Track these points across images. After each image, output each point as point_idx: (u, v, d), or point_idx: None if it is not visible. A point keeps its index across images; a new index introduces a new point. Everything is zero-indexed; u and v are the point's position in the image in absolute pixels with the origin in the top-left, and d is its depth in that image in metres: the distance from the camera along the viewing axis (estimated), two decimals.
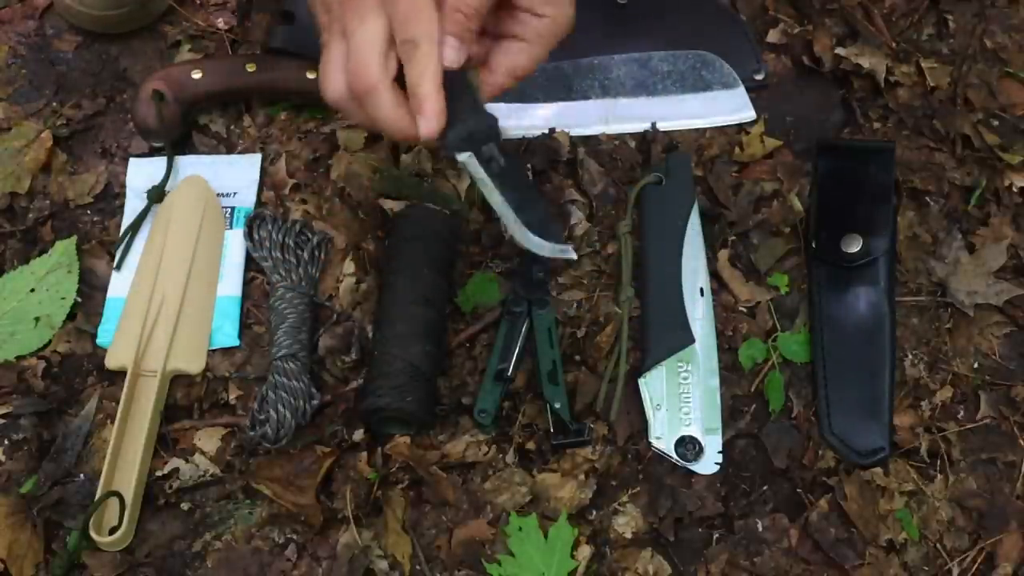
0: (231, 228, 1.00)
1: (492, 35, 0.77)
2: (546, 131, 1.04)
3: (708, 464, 0.90)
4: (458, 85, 0.75)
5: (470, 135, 0.76)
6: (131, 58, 1.11)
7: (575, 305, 0.97)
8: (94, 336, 0.95)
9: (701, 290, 0.96)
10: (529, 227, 0.79)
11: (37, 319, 0.95)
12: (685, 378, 0.92)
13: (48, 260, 0.98)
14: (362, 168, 1.02)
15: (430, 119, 0.70)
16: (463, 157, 0.76)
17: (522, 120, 1.06)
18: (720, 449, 0.90)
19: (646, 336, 0.94)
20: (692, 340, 0.93)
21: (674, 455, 0.90)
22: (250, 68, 1.03)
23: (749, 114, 1.08)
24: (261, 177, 1.03)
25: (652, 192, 1.00)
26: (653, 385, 0.92)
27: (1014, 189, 1.03)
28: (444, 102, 0.70)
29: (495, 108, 1.04)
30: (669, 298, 0.95)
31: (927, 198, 1.03)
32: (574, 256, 0.80)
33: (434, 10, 0.69)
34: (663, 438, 0.90)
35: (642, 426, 0.91)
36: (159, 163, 1.02)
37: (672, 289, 0.95)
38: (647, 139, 1.06)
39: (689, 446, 0.90)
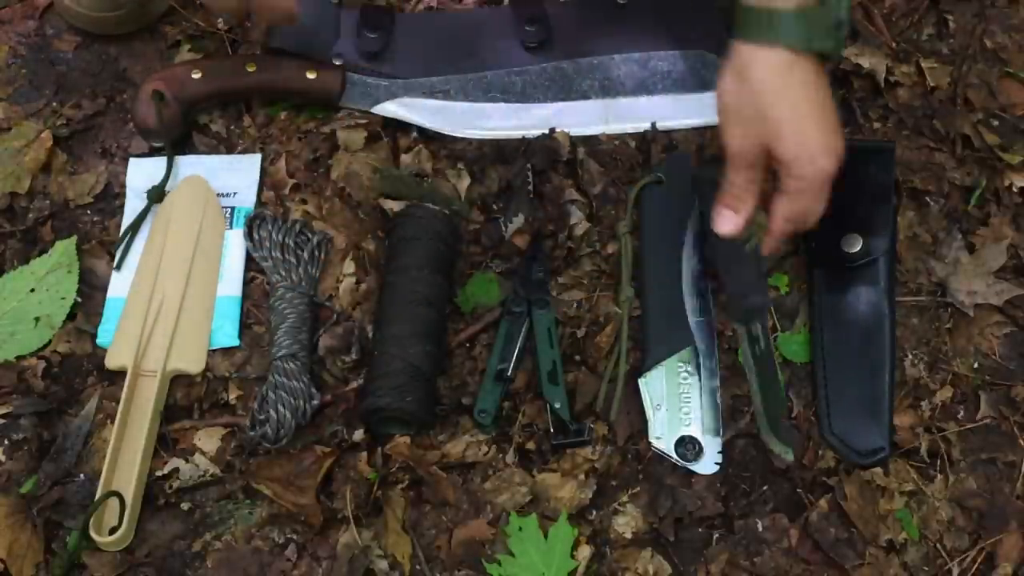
0: (231, 228, 1.00)
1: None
2: (546, 131, 1.04)
3: (708, 464, 0.90)
4: (745, 257, 0.87)
5: (754, 309, 0.89)
6: (131, 58, 1.11)
7: (575, 305, 0.97)
8: (94, 336, 0.95)
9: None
10: (767, 417, 0.89)
11: (37, 319, 0.95)
12: (685, 378, 0.92)
13: (48, 260, 0.98)
14: (362, 168, 1.02)
15: None
16: (738, 327, 0.91)
17: (522, 120, 1.06)
18: (720, 449, 0.90)
19: (646, 336, 0.94)
20: (692, 340, 0.92)
21: (674, 455, 0.89)
22: (250, 68, 1.03)
23: None
24: (261, 177, 1.03)
25: (652, 192, 1.00)
26: (653, 385, 0.91)
27: (1014, 189, 1.03)
28: None
29: (495, 107, 1.05)
30: (669, 298, 0.95)
31: (927, 198, 1.03)
32: (791, 458, 0.89)
33: None
34: (663, 438, 0.90)
35: (642, 426, 0.91)
36: (159, 163, 1.02)
37: (672, 289, 0.95)
38: (647, 139, 1.05)
39: (689, 446, 0.89)
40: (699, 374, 0.93)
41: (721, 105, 0.82)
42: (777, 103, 0.79)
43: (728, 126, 0.82)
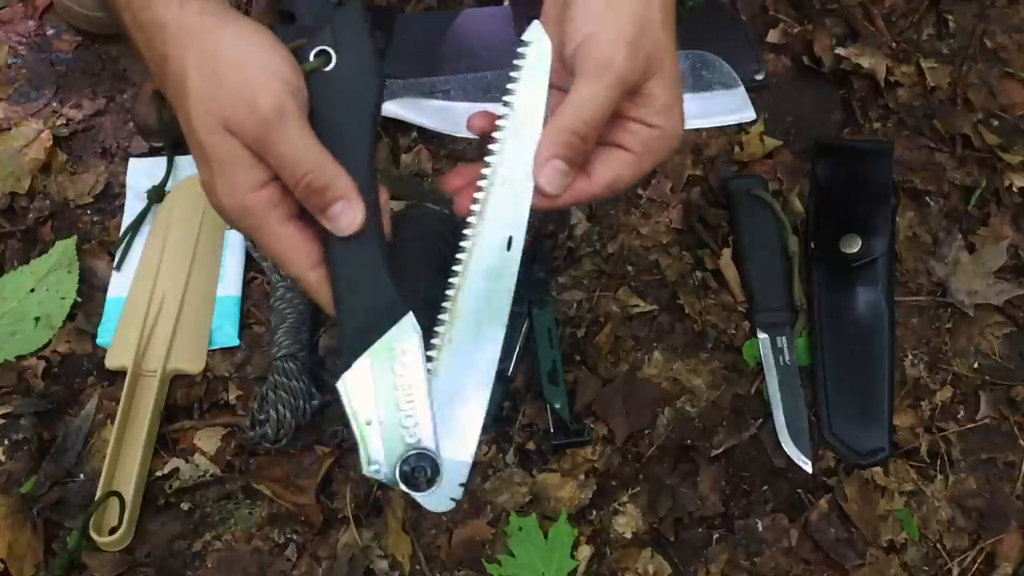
0: (231, 228, 1.00)
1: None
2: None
3: (442, 497, 0.63)
4: (777, 268, 0.82)
5: (781, 322, 0.91)
6: (131, 58, 1.11)
7: (575, 305, 0.97)
8: (94, 336, 0.95)
9: (509, 240, 0.65)
10: (788, 428, 0.90)
11: (37, 319, 0.95)
12: (403, 367, 0.63)
13: (48, 260, 0.98)
14: None
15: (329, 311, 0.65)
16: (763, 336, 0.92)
17: None
18: (464, 481, 0.64)
19: (339, 313, 0.64)
20: (400, 311, 0.63)
21: (398, 483, 0.63)
22: None
23: (749, 114, 1.08)
24: None
25: (320, 81, 0.64)
26: (358, 391, 0.63)
27: (1014, 189, 1.03)
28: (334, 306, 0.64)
29: (495, 107, 1.05)
30: (357, 244, 0.64)
31: (927, 198, 1.03)
32: (810, 469, 0.89)
33: (286, 247, 0.64)
34: (380, 466, 0.63)
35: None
36: (159, 163, 1.02)
37: (368, 234, 0.64)
38: None
39: (419, 469, 0.63)
40: (445, 359, 0.65)
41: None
42: (668, 38, 0.64)
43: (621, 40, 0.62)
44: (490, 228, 0.65)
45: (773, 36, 1.13)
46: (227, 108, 0.60)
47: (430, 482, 0.63)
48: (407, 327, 0.64)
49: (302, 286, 0.65)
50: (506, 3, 1.12)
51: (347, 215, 0.63)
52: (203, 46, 0.61)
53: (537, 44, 0.64)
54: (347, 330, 0.64)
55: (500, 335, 0.65)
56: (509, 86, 0.64)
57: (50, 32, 1.13)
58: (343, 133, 0.63)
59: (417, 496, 0.63)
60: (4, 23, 1.13)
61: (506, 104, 0.64)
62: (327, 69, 0.64)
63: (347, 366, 0.63)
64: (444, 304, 0.64)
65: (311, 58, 0.63)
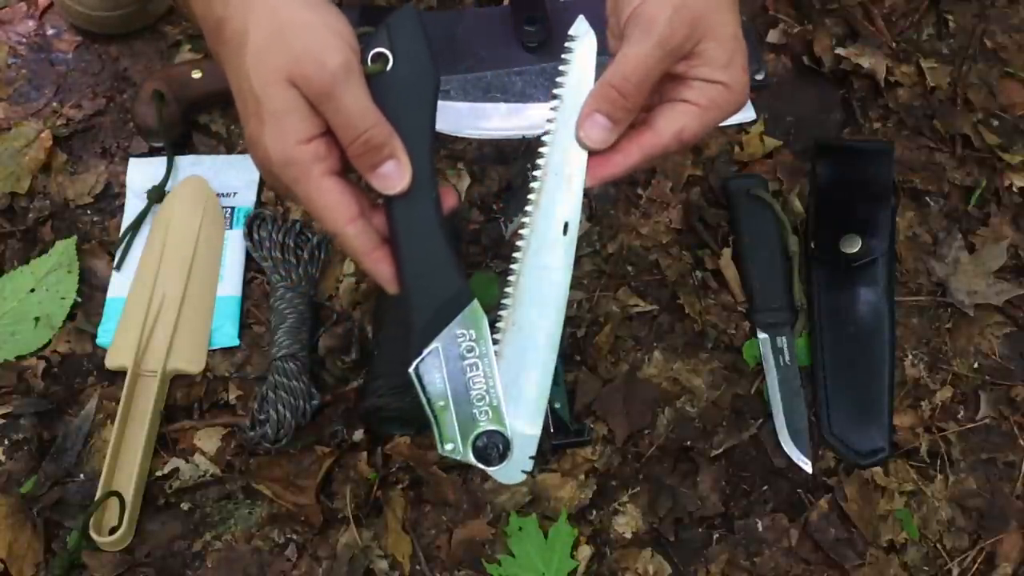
0: (231, 228, 1.00)
1: (657, 98, 0.68)
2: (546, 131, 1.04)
3: (513, 471, 0.68)
4: (777, 269, 0.81)
5: (781, 322, 0.91)
6: (131, 58, 1.11)
7: (575, 305, 0.97)
8: (94, 336, 0.95)
9: (566, 226, 0.68)
10: (788, 428, 0.90)
11: (37, 319, 0.95)
12: (470, 351, 0.67)
13: (48, 260, 0.98)
14: None
15: (386, 284, 0.67)
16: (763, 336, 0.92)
17: (522, 120, 1.05)
18: (533, 454, 0.68)
19: (407, 303, 0.67)
20: (467, 296, 0.66)
21: (472, 459, 0.67)
22: None
23: (749, 114, 1.07)
24: (261, 177, 1.03)
25: (379, 83, 0.65)
26: (430, 376, 0.67)
27: (1014, 189, 1.03)
28: (390, 269, 0.66)
29: (495, 107, 1.05)
30: (424, 238, 0.67)
31: (927, 198, 1.03)
32: (810, 469, 0.89)
33: (327, 199, 0.65)
34: (456, 445, 0.67)
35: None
36: (159, 163, 1.02)
37: (426, 221, 0.66)
38: None
39: (491, 446, 0.67)
40: (513, 342, 0.68)
41: None
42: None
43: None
44: (546, 215, 0.67)
45: (773, 36, 1.13)
46: (293, 63, 0.62)
47: (502, 457, 0.67)
48: (475, 314, 0.67)
49: (339, 242, 0.67)
50: (506, 3, 1.12)
51: (396, 174, 0.64)
52: (267, 8, 0.63)
53: (583, 39, 0.66)
54: (416, 318, 0.67)
55: (560, 317, 0.68)
56: (558, 79, 0.66)
57: (50, 32, 1.13)
58: (403, 134, 0.65)
59: (490, 470, 0.68)
60: (4, 23, 1.13)
61: (555, 97, 0.67)
62: (386, 70, 0.65)
63: (418, 354, 0.66)
64: (507, 289, 0.68)
65: (369, 62, 0.65)
